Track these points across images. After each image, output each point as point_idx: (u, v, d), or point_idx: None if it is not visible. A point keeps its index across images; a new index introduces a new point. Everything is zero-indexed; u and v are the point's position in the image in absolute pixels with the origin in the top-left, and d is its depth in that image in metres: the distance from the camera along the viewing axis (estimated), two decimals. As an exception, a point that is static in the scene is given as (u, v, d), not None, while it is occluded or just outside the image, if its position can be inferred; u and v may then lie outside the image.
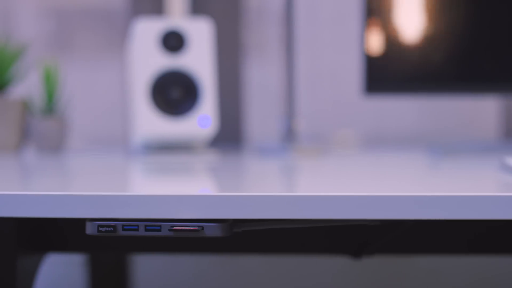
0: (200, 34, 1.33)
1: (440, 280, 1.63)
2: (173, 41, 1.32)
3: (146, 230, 0.70)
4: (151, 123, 1.31)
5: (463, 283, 1.62)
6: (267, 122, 1.72)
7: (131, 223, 0.71)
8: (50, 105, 1.41)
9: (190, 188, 0.86)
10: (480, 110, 1.72)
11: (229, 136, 1.65)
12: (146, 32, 1.32)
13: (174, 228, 0.70)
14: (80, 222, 0.93)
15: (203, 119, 1.31)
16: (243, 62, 1.70)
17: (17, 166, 1.19)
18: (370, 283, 1.63)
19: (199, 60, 1.32)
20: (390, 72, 1.39)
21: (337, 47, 1.72)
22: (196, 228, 0.70)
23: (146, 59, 1.31)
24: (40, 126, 1.39)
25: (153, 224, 0.70)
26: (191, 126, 1.31)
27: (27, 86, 1.44)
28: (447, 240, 0.93)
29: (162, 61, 1.31)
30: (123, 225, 0.71)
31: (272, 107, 1.71)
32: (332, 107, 1.72)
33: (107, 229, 0.71)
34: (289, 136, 1.37)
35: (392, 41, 1.38)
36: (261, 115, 1.73)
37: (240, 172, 1.08)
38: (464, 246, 0.93)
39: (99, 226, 0.71)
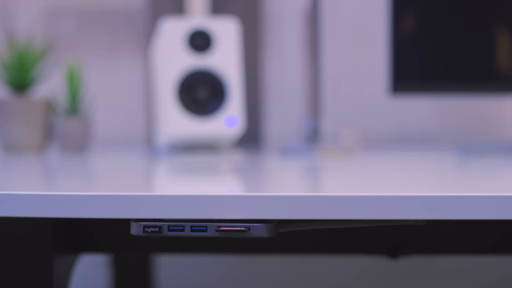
0: (227, 33, 1.32)
1: (467, 280, 1.62)
2: (200, 41, 1.31)
3: (192, 230, 0.69)
4: (177, 123, 1.30)
5: (489, 284, 1.62)
6: (287, 121, 1.71)
7: (177, 224, 0.70)
8: (74, 105, 1.40)
9: (225, 188, 0.86)
10: (498, 109, 1.71)
11: (249, 135, 1.65)
12: (173, 31, 1.31)
13: (221, 228, 0.69)
14: (111, 223, 0.92)
15: (230, 119, 1.31)
16: (262, 62, 1.70)
17: (42, 166, 1.18)
18: (399, 282, 1.63)
19: (226, 60, 1.31)
20: (416, 72, 1.38)
21: (359, 47, 1.71)
22: (243, 228, 0.69)
23: (173, 59, 1.30)
24: (64, 126, 1.39)
25: (199, 224, 0.69)
26: (218, 126, 1.31)
27: (50, 86, 1.43)
28: (481, 240, 0.93)
29: (189, 61, 1.31)
30: (168, 226, 0.70)
31: (292, 107, 1.70)
32: (354, 106, 1.71)
33: (153, 229, 0.70)
34: (314, 136, 1.36)
35: (418, 40, 1.38)
36: (280, 114, 1.72)
37: (271, 172, 1.08)
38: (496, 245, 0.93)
39: (144, 226, 0.70)
